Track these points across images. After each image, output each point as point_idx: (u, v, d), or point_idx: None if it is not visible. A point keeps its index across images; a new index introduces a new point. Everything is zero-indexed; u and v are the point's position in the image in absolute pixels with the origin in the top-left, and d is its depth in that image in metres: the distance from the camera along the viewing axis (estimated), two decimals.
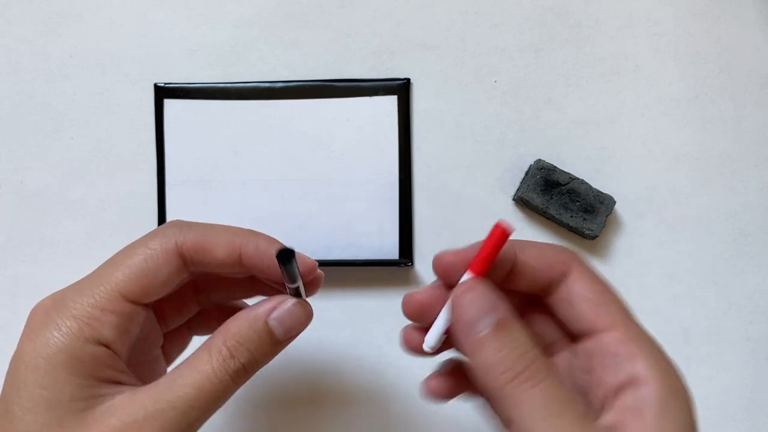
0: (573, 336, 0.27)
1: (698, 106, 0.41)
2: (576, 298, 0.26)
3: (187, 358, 0.27)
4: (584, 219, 0.39)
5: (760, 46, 0.41)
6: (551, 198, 0.39)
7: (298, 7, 0.41)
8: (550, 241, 0.40)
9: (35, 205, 0.41)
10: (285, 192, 0.40)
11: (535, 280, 0.27)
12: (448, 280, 0.27)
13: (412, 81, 0.40)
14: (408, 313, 0.28)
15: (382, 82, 0.40)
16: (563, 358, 0.27)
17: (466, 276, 0.26)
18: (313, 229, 0.40)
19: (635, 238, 0.40)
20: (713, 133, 0.40)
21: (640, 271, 0.40)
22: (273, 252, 0.28)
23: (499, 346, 0.24)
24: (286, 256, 0.25)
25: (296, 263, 0.26)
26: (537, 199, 0.39)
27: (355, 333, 0.40)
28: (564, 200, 0.39)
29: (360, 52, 0.41)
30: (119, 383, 0.26)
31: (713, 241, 0.40)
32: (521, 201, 0.40)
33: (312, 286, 0.31)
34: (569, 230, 0.40)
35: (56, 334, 0.25)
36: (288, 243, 0.37)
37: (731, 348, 0.40)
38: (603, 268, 0.40)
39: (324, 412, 0.40)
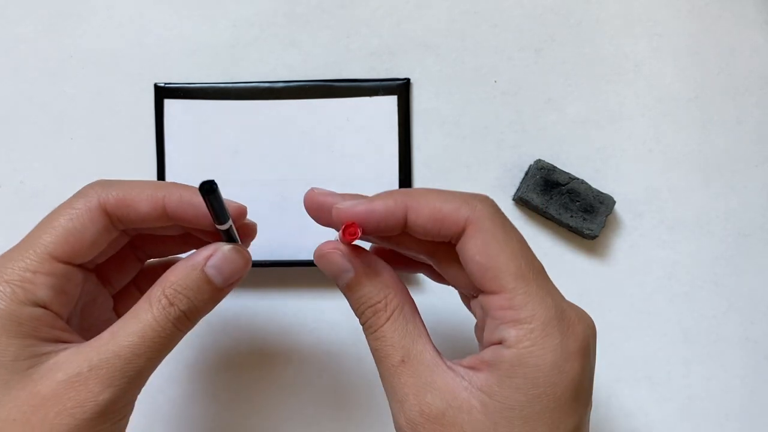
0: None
1: (698, 106, 0.41)
2: (467, 260, 0.26)
3: (129, 311, 0.27)
4: (584, 219, 0.39)
5: (760, 46, 0.41)
6: (551, 198, 0.39)
7: (298, 7, 0.41)
8: (551, 242, 0.40)
9: (35, 205, 0.41)
10: (285, 192, 0.40)
11: (427, 240, 0.27)
12: (317, 219, 0.29)
13: (412, 81, 0.40)
14: (308, 210, 0.29)
15: (382, 82, 0.40)
16: (476, 304, 0.28)
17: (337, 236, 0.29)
18: (313, 230, 0.40)
19: (635, 238, 0.40)
20: (713, 133, 0.40)
21: (640, 271, 0.40)
22: (196, 199, 0.28)
23: (353, 300, 0.28)
24: (208, 187, 0.25)
25: (221, 197, 0.26)
26: (537, 199, 0.39)
27: (355, 333, 0.40)
28: (564, 200, 0.39)
29: (360, 52, 0.41)
30: (62, 341, 0.27)
31: (713, 241, 0.40)
32: (521, 201, 0.40)
33: (245, 236, 0.31)
34: (569, 230, 0.40)
35: None
36: (287, 243, 0.37)
37: (731, 348, 0.40)
38: (603, 268, 0.40)
39: (325, 413, 0.40)
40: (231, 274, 0.29)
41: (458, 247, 0.27)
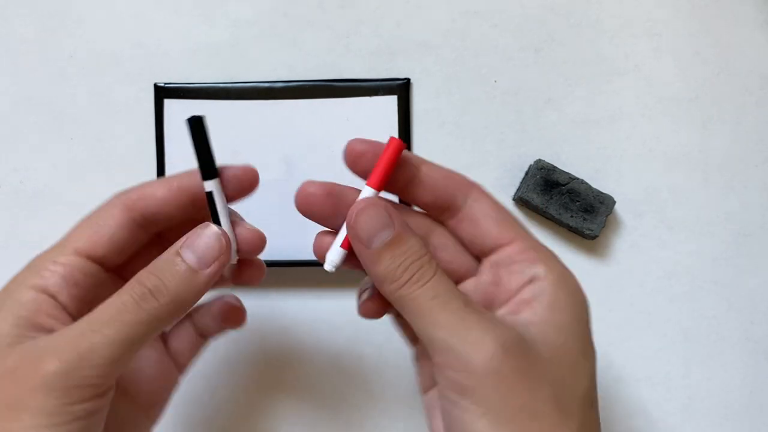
0: (478, 254, 0.29)
1: (698, 106, 0.41)
2: (480, 216, 0.28)
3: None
4: (584, 219, 0.39)
5: (760, 46, 0.41)
6: (551, 198, 0.39)
7: (298, 7, 0.41)
8: (551, 242, 0.40)
9: (35, 205, 0.41)
10: (285, 192, 0.40)
11: (437, 193, 0.28)
12: (355, 168, 0.29)
13: (412, 81, 0.40)
14: (301, 206, 0.30)
15: (382, 82, 0.40)
16: (469, 283, 0.29)
17: (365, 192, 0.28)
18: (313, 230, 0.40)
19: (635, 238, 0.40)
20: (713, 133, 0.40)
21: (640, 271, 0.40)
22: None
23: (392, 258, 0.26)
24: (196, 120, 0.25)
25: (208, 134, 0.27)
26: (537, 199, 0.39)
27: (355, 333, 0.40)
28: (564, 200, 0.39)
29: (360, 52, 0.41)
30: (55, 332, 0.27)
31: (713, 241, 0.40)
32: (521, 201, 0.40)
33: (249, 247, 0.31)
34: (569, 230, 0.40)
35: (7, 282, 0.28)
36: (287, 243, 0.36)
37: (731, 348, 0.40)
38: (603, 268, 0.40)
39: (324, 413, 0.40)
40: (204, 253, 0.27)
41: (466, 211, 0.28)
